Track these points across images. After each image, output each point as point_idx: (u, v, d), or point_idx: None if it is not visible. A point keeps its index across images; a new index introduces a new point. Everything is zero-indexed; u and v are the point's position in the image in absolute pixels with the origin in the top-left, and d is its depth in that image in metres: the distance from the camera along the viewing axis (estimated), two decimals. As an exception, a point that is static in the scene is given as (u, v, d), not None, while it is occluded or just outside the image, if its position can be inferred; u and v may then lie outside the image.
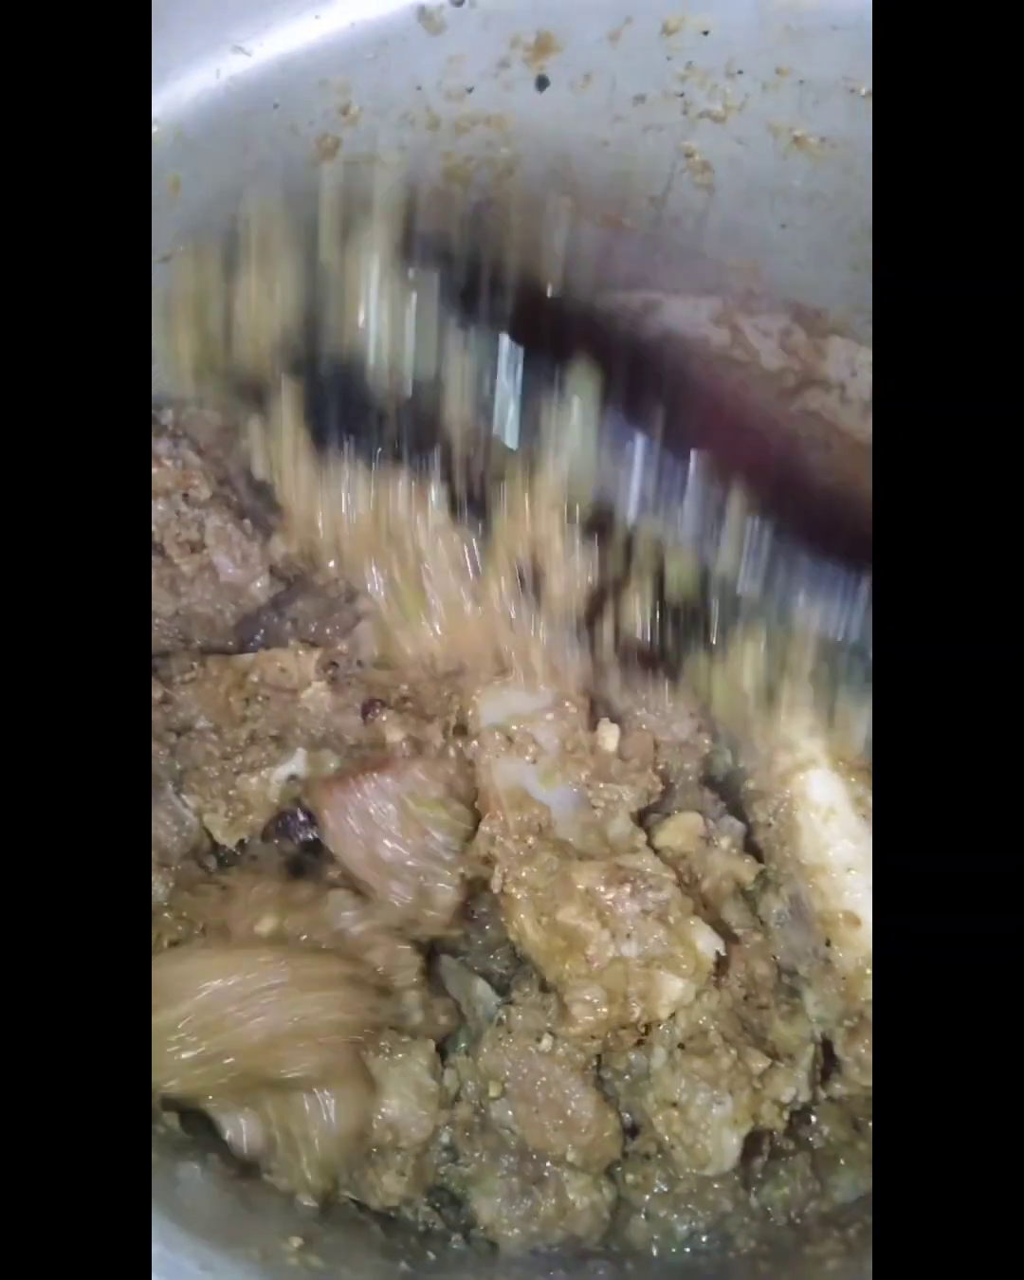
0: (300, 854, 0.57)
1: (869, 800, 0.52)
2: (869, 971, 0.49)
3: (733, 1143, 0.46)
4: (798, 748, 0.53)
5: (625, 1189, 0.52)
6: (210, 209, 0.57)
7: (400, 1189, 0.50)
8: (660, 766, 0.55)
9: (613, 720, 0.54)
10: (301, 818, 0.57)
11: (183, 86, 0.54)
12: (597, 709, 0.55)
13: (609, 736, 0.51)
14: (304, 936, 0.50)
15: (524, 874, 0.48)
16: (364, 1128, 0.47)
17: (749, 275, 0.69)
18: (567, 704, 0.51)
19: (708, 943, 0.46)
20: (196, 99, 0.54)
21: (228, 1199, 0.42)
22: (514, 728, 0.51)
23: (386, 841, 0.52)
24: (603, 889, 0.46)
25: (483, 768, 0.51)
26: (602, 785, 0.50)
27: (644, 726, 0.55)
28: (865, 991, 0.49)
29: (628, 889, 0.46)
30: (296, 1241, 0.41)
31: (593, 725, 0.53)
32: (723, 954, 0.46)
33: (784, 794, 0.53)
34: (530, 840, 0.49)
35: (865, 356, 0.69)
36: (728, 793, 0.58)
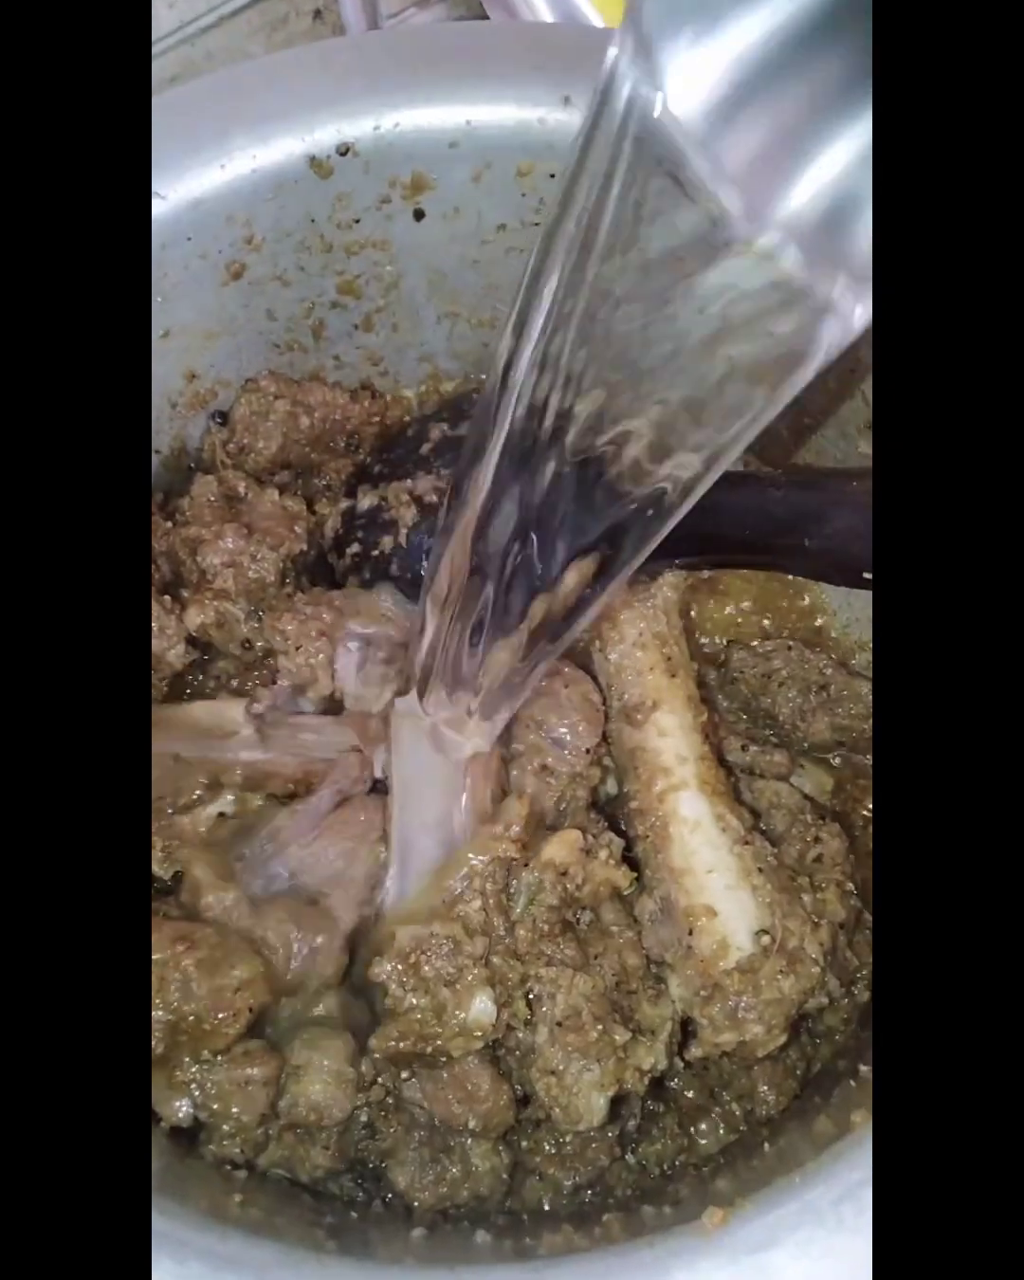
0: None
1: (729, 816, 0.62)
2: (723, 949, 0.58)
3: (601, 1103, 0.55)
4: (672, 773, 0.64)
5: (520, 1153, 0.60)
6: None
7: (326, 1162, 0.58)
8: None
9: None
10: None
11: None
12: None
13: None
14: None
15: None
16: (275, 1102, 0.56)
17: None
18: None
19: (481, 1007, 0.55)
20: (121, 237, 0.64)
21: (170, 1169, 0.50)
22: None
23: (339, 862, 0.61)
24: (410, 947, 0.56)
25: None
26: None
27: (548, 763, 0.65)
28: (719, 965, 0.58)
29: (427, 954, 0.56)
30: (237, 1197, 0.49)
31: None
32: (493, 1020, 0.55)
33: (659, 811, 0.63)
34: None
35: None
36: (612, 814, 0.67)
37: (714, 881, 0.60)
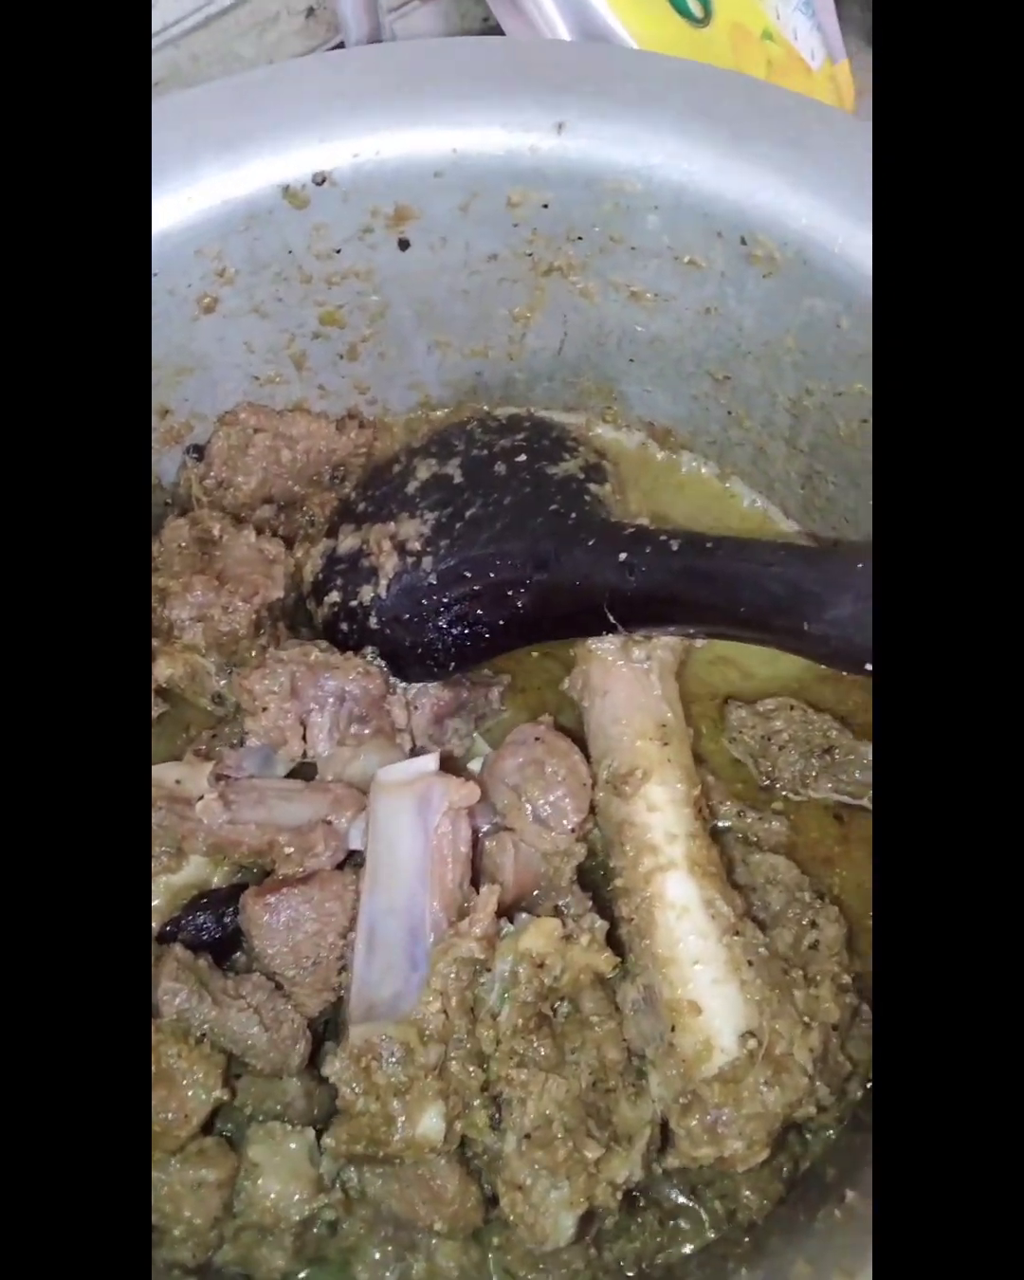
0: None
1: (719, 902, 0.58)
2: (707, 1051, 0.55)
3: (568, 1222, 0.52)
4: (660, 851, 0.60)
5: (489, 1251, 0.58)
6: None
7: (284, 1263, 0.55)
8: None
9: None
10: (204, 921, 0.62)
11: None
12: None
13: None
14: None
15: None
16: (230, 1202, 0.54)
17: (606, 397, 0.75)
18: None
19: (430, 1123, 0.52)
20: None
21: None
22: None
23: (305, 944, 0.58)
24: (361, 1048, 0.53)
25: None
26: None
27: (530, 841, 0.61)
28: (701, 1069, 0.55)
29: (378, 1059, 0.53)
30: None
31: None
32: (442, 1137, 0.53)
33: (645, 892, 0.59)
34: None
35: (711, 468, 0.76)
36: (597, 889, 0.63)
37: (700, 974, 0.56)
